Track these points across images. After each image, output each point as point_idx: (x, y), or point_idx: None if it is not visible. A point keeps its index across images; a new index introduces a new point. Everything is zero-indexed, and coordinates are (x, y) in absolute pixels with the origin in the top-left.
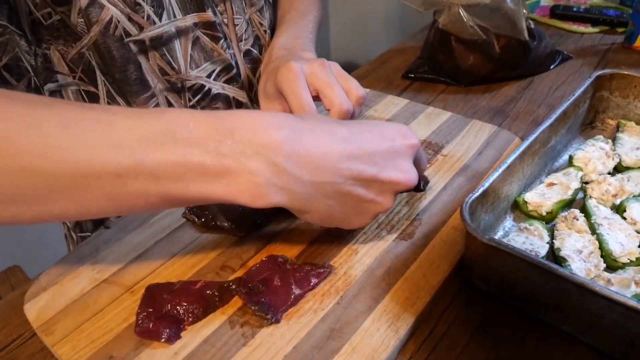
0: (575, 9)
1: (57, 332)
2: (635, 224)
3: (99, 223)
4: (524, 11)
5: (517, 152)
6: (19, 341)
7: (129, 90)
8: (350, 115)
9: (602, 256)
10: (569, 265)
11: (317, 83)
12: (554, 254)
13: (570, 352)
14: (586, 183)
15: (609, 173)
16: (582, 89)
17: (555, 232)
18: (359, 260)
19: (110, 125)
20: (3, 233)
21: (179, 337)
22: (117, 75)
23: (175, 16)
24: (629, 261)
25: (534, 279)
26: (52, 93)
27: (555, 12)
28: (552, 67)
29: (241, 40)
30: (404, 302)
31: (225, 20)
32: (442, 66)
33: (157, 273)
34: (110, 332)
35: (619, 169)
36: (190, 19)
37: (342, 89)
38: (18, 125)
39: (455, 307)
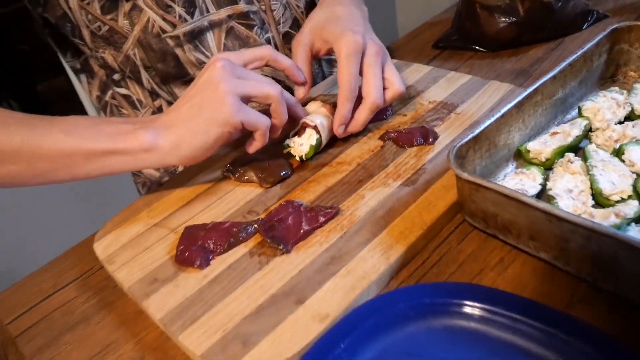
0: None
1: (117, 262)
2: (633, 165)
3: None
4: None
5: (512, 103)
6: (90, 272)
7: (170, 78)
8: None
9: (593, 196)
10: (557, 202)
11: (365, 68)
12: (540, 194)
13: (548, 277)
14: (592, 131)
15: (620, 122)
16: (594, 42)
17: (551, 175)
18: (365, 203)
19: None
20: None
21: (208, 264)
22: (158, 66)
23: (208, 11)
24: (620, 199)
25: (509, 210)
26: (117, 82)
27: None
28: (584, 27)
29: (279, 24)
30: (398, 236)
31: (263, 7)
32: (470, 34)
33: (196, 218)
34: (156, 262)
35: (632, 117)
36: (224, 12)
37: (385, 79)
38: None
39: (449, 242)
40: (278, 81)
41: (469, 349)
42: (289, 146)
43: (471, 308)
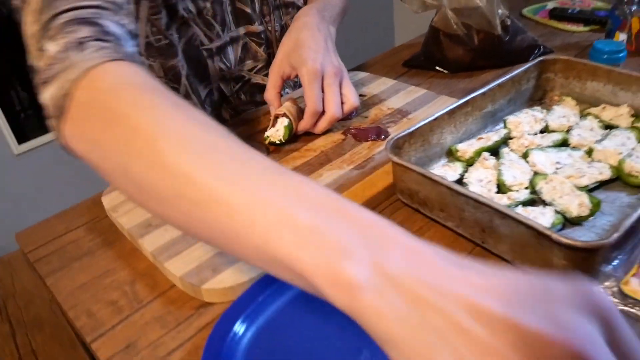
0: (570, 11)
1: (119, 211)
2: (534, 165)
3: None
4: (500, 11)
5: (444, 110)
6: (96, 219)
7: (197, 82)
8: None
9: (498, 186)
10: (467, 187)
11: (325, 88)
12: (460, 182)
13: (452, 241)
14: (511, 139)
15: (535, 134)
16: (522, 69)
17: (469, 169)
18: (321, 180)
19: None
20: None
21: None
22: (192, 72)
23: (230, 29)
24: (517, 190)
25: (426, 187)
26: None
27: (553, 13)
28: (531, 58)
29: (278, 41)
30: None
31: (269, 27)
32: (434, 56)
33: None
34: None
35: (547, 131)
36: (242, 30)
37: (342, 95)
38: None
39: (383, 213)
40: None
41: None
42: (268, 137)
43: None
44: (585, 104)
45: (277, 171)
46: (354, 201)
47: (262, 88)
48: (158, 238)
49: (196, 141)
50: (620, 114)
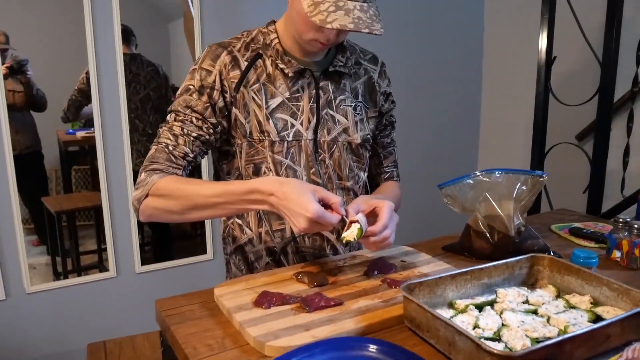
0: (585, 231)
1: (225, 297)
2: (505, 320)
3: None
4: (517, 220)
5: (447, 274)
6: (208, 301)
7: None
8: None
9: (474, 328)
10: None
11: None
12: None
13: (432, 354)
14: (497, 303)
15: (517, 304)
16: (514, 259)
17: (458, 315)
18: (356, 305)
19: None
20: None
21: (269, 307)
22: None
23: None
24: (485, 332)
25: (419, 314)
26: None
27: (572, 231)
28: None
29: None
30: (366, 319)
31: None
32: (464, 246)
33: (268, 288)
34: (244, 302)
35: (528, 303)
36: None
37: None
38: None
39: (392, 333)
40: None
41: None
42: (344, 237)
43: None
44: (563, 291)
45: (225, 186)
46: (375, 319)
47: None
48: (246, 315)
49: (198, 190)
50: (583, 301)
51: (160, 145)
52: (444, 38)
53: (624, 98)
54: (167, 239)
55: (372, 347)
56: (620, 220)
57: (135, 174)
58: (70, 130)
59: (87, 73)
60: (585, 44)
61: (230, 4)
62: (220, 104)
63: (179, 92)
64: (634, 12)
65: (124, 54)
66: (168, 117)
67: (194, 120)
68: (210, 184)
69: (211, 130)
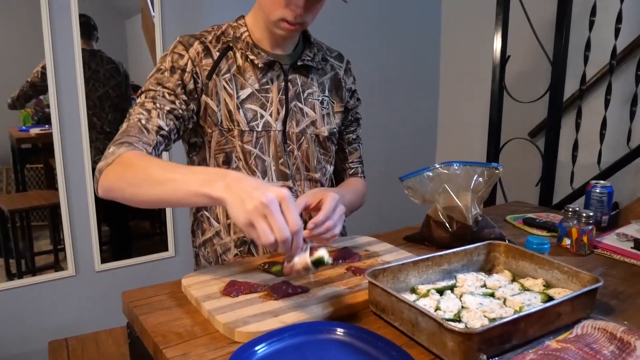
0: (537, 220)
1: (193, 287)
2: (464, 303)
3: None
4: (474, 210)
5: (409, 260)
6: (175, 292)
7: None
8: None
9: (435, 310)
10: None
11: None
12: None
13: (397, 336)
14: (456, 287)
15: (475, 288)
16: (472, 246)
17: (420, 299)
18: (322, 293)
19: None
20: None
21: (237, 296)
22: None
23: (273, 180)
24: (446, 314)
25: (384, 297)
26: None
27: (526, 221)
28: None
29: None
30: (332, 304)
31: (299, 189)
32: (425, 236)
33: (236, 277)
34: (213, 291)
35: (485, 287)
36: (279, 183)
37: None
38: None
39: (358, 317)
40: None
41: (336, 348)
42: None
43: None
44: (518, 276)
45: (187, 167)
46: (341, 306)
47: None
48: (214, 304)
49: (159, 165)
50: (536, 284)
51: (132, 120)
52: (403, 39)
53: (574, 96)
54: (126, 238)
55: (340, 331)
56: (570, 210)
57: (94, 171)
58: (24, 128)
59: (43, 67)
60: (537, 44)
61: (191, 3)
62: (191, 86)
63: (149, 75)
64: (583, 14)
65: (83, 50)
66: (138, 99)
67: (166, 95)
68: (174, 164)
69: (184, 107)
